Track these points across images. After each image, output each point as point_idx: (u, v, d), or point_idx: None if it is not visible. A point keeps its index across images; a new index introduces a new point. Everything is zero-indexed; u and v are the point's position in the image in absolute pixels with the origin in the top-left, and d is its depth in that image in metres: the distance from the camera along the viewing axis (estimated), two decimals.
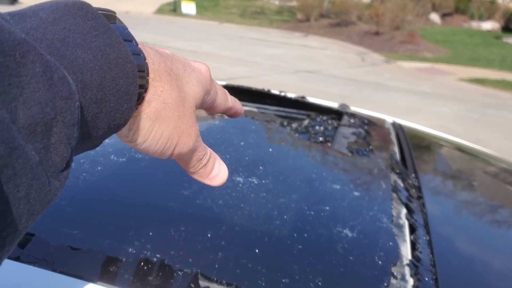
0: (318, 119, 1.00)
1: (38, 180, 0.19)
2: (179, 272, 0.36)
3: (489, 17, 16.40)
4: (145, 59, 0.26)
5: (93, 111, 0.22)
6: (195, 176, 0.33)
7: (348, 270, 0.40)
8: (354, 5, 13.01)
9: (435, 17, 15.51)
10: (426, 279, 0.41)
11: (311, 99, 1.18)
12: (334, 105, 1.16)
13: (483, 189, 0.72)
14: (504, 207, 0.68)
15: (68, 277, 0.34)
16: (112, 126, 0.24)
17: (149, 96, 0.26)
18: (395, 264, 0.42)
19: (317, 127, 0.91)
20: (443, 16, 15.99)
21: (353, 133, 0.80)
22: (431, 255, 0.44)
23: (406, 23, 11.73)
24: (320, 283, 0.38)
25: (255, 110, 1.15)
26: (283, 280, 0.37)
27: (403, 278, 0.40)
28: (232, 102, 0.37)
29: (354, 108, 1.19)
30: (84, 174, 0.51)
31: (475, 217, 0.60)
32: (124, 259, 0.36)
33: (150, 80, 0.26)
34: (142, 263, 0.36)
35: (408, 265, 0.42)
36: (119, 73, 0.24)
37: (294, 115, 1.13)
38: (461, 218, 0.59)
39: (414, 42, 10.93)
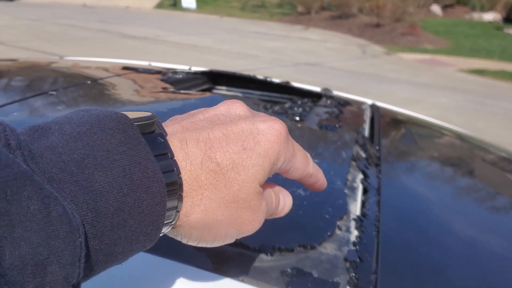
0: (299, 102, 1.04)
1: None
2: None
3: (491, 8, 16.29)
4: (178, 174, 0.23)
5: (108, 238, 0.20)
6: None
7: (295, 223, 0.44)
8: None
9: (436, 8, 15.43)
10: (369, 231, 0.45)
11: (295, 84, 1.22)
12: (317, 89, 1.19)
13: (441, 161, 0.76)
14: (457, 175, 0.72)
15: None
16: (135, 249, 0.22)
17: (185, 209, 0.24)
18: (341, 218, 0.46)
19: (295, 108, 0.95)
20: (445, 7, 15.91)
21: (326, 112, 0.84)
22: (377, 212, 0.48)
23: (407, 15, 11.69)
24: (267, 232, 0.42)
25: (240, 94, 1.19)
26: None
27: (347, 230, 0.44)
28: (315, 170, 0.33)
29: (337, 93, 1.22)
30: None
31: (427, 181, 0.64)
32: None
33: (185, 194, 0.24)
34: None
35: (354, 219, 0.46)
36: (142, 194, 0.21)
37: (278, 99, 1.16)
38: (413, 183, 0.63)
39: (415, 33, 10.90)
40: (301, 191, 0.49)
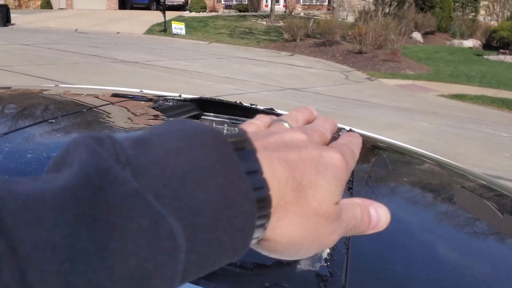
0: None
1: None
2: None
3: (471, 34, 16.90)
4: (268, 191, 0.24)
5: (202, 253, 0.21)
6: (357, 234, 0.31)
7: None
8: (338, 25, 13.35)
9: (417, 35, 15.94)
10: (339, 248, 0.50)
11: (280, 111, 1.29)
12: None
13: (412, 185, 0.83)
14: (425, 199, 0.79)
15: None
16: (223, 262, 0.23)
17: (272, 224, 0.25)
18: None
19: None
20: (425, 34, 16.44)
21: None
22: None
23: (389, 42, 12.06)
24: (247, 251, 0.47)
25: (227, 121, 1.25)
26: None
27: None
28: (357, 149, 0.33)
29: None
30: None
31: (396, 204, 0.70)
32: None
33: (273, 210, 0.25)
34: None
35: None
36: (235, 212, 0.22)
37: None
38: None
39: (396, 60, 11.23)
40: None
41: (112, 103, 1.13)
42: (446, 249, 0.59)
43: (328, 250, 0.49)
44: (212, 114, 1.34)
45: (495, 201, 0.86)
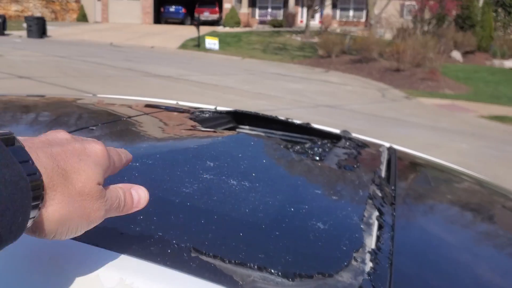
0: (319, 143, 1.09)
1: None
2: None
3: None
4: (40, 176, 0.30)
5: None
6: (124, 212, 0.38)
7: (315, 253, 0.48)
8: (376, 42, 13.25)
9: (456, 54, 15.57)
10: (383, 263, 0.48)
11: (316, 126, 1.27)
12: (336, 131, 1.24)
13: (453, 203, 0.80)
14: (469, 217, 0.75)
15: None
16: (8, 239, 0.28)
17: (44, 204, 0.31)
18: (357, 251, 0.49)
19: (316, 149, 1.00)
20: (465, 53, 16.04)
21: (345, 153, 0.89)
22: (391, 247, 0.52)
23: (427, 60, 11.83)
24: (290, 260, 0.46)
25: (263, 134, 1.25)
26: (260, 256, 0.46)
27: (362, 261, 0.48)
28: (124, 155, 0.41)
29: (355, 135, 1.27)
30: None
31: (439, 221, 0.67)
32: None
33: (44, 192, 0.30)
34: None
35: (369, 252, 0.50)
36: (13, 190, 0.27)
37: (298, 139, 1.22)
38: (425, 222, 0.66)
39: (435, 79, 10.99)
40: (320, 225, 0.53)
41: (148, 114, 1.15)
42: (492, 270, 0.56)
43: (371, 264, 0.48)
44: (247, 127, 1.34)
45: None
